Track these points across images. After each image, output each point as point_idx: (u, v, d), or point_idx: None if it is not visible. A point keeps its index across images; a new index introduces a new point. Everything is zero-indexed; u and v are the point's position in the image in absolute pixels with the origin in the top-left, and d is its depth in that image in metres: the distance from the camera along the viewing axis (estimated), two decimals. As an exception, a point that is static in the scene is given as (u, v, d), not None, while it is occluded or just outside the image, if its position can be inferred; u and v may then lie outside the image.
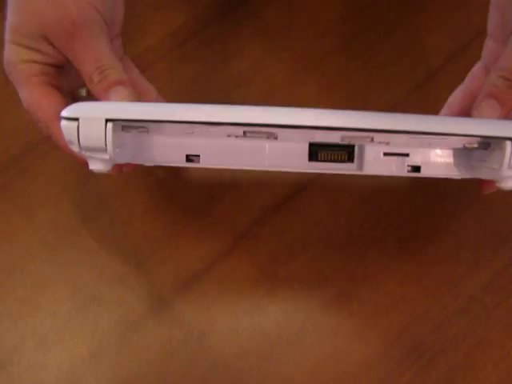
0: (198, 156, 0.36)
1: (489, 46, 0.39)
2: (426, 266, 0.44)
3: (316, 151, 0.36)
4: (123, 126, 0.33)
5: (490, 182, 0.36)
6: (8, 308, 0.43)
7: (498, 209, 0.45)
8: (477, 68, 0.39)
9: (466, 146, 0.33)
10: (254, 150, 0.36)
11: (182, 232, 0.44)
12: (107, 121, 0.31)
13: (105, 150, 0.31)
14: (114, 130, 0.31)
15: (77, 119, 0.31)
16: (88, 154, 0.32)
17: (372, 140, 0.33)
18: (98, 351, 0.42)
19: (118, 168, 0.37)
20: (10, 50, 0.36)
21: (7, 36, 0.36)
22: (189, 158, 0.36)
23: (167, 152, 0.36)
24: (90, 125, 0.31)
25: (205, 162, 0.36)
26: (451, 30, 0.52)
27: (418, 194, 0.46)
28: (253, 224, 0.44)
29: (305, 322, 0.42)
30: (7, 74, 0.37)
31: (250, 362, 0.41)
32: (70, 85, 0.38)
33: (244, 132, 0.32)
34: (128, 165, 0.38)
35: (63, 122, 0.31)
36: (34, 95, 0.36)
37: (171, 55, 0.50)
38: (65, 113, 0.31)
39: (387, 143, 0.35)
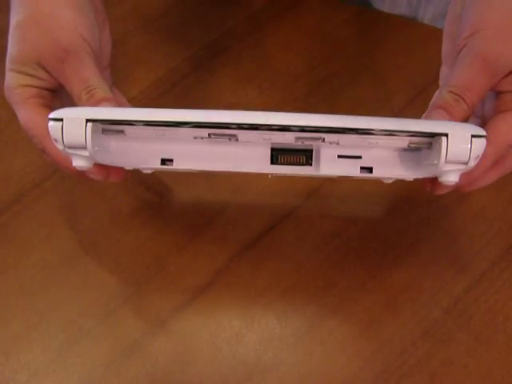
0: (171, 160, 0.39)
1: (444, 71, 0.43)
2: (392, 293, 0.47)
3: (277, 155, 0.39)
4: (103, 129, 0.37)
5: (435, 181, 0.38)
6: (1, 344, 0.46)
7: (458, 238, 0.49)
8: (436, 95, 0.42)
9: (410, 145, 0.37)
10: (221, 154, 0.39)
11: (164, 268, 0.48)
12: (87, 121, 0.35)
13: (85, 147, 0.35)
14: (94, 131, 0.35)
15: (61, 119, 0.35)
16: (71, 151, 0.36)
17: (323, 140, 0.36)
18: (88, 382, 0.44)
19: (105, 173, 0.41)
20: (9, 77, 0.40)
21: (7, 65, 0.41)
22: (163, 162, 0.39)
23: (144, 156, 0.39)
24: (72, 124, 0.35)
25: (178, 165, 0.39)
26: (411, 75, 0.56)
27: (383, 226, 0.49)
28: (230, 260, 0.48)
29: (280, 349, 0.45)
30: (7, 99, 0.42)
31: (230, 388, 0.44)
32: (63, 106, 0.42)
33: (208, 134, 0.36)
34: (115, 173, 0.41)
35: (50, 123, 0.36)
36: (29, 114, 0.41)
37: (153, 104, 0.55)
38: (51, 115, 0.36)
39: (337, 143, 0.37)
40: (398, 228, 0.49)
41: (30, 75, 0.40)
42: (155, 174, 0.51)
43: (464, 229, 0.49)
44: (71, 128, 0.35)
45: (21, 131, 0.54)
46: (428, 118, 0.37)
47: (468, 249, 0.49)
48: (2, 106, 0.55)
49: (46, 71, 0.40)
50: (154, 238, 0.49)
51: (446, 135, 0.34)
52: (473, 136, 0.34)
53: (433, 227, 0.49)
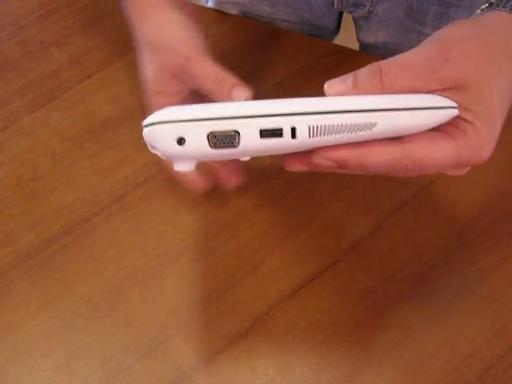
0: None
1: None
2: (425, 353, 0.48)
3: None
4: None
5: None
6: (43, 374, 0.47)
7: (493, 303, 0.50)
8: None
9: None
10: None
11: (205, 311, 0.49)
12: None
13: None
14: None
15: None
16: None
17: None
18: (123, 418, 0.46)
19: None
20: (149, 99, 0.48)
21: (146, 89, 0.48)
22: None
23: None
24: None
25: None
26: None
27: (420, 285, 0.50)
28: (269, 308, 0.49)
29: (313, 400, 0.46)
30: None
31: None
32: None
33: None
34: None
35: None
36: None
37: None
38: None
39: None
40: (434, 288, 0.50)
41: (165, 93, 0.47)
42: (202, 219, 0.53)
43: (500, 294, 0.50)
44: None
45: (74, 166, 0.57)
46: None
47: (503, 314, 0.49)
48: (58, 140, 0.59)
49: (178, 83, 0.46)
50: (197, 281, 0.50)
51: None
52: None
53: (469, 290, 0.50)
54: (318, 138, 0.34)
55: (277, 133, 0.34)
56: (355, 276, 0.51)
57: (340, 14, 0.73)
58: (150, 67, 0.47)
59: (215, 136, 0.34)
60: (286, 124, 0.34)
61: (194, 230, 0.53)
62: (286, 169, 0.39)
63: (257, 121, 0.34)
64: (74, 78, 0.63)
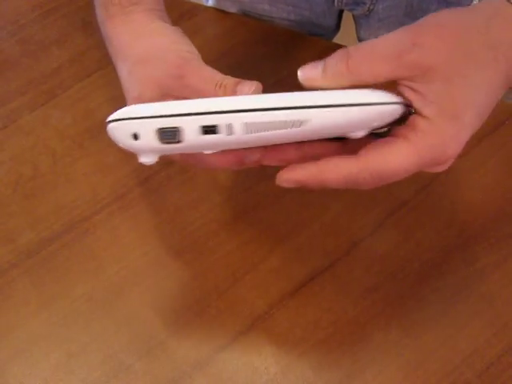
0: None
1: None
2: (426, 352, 0.48)
3: None
4: None
5: None
6: (43, 373, 0.47)
7: (494, 302, 0.50)
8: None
9: None
10: None
11: (205, 310, 0.49)
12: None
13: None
14: None
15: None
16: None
17: None
18: (123, 417, 0.46)
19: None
20: None
21: (128, 103, 0.42)
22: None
23: None
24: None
25: None
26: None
27: (420, 285, 0.50)
28: (270, 307, 0.49)
29: (313, 399, 0.46)
30: None
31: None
32: None
33: None
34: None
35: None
36: None
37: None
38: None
39: None
40: (434, 288, 0.50)
41: None
42: (203, 218, 0.53)
43: (500, 293, 0.50)
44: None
45: (74, 164, 0.57)
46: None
47: (503, 313, 0.49)
48: (58, 138, 0.58)
49: (165, 98, 0.41)
50: (197, 280, 0.51)
51: None
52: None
53: (469, 289, 0.50)
54: (254, 134, 0.36)
55: (215, 129, 0.36)
56: (355, 275, 0.51)
57: (340, 13, 0.73)
58: (134, 85, 0.42)
59: (163, 132, 0.36)
60: (222, 121, 0.36)
61: (195, 228, 0.53)
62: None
63: (197, 118, 0.36)
64: (75, 77, 0.63)
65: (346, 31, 0.77)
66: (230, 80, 0.39)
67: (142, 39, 0.42)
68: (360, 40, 0.74)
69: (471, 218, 0.54)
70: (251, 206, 0.54)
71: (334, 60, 0.35)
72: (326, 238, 0.52)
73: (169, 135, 0.36)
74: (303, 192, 0.55)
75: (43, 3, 0.68)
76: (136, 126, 0.37)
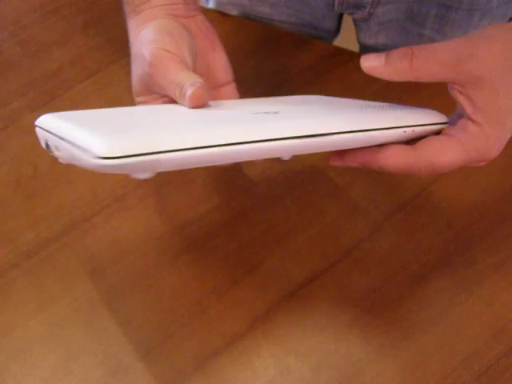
0: None
1: None
2: (424, 354, 0.48)
3: None
4: None
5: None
6: (42, 373, 0.47)
7: (493, 304, 0.50)
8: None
9: None
10: None
11: (204, 311, 0.49)
12: None
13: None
14: None
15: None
16: None
17: None
18: (122, 417, 0.46)
19: None
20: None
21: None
22: None
23: None
24: None
25: None
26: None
27: (419, 287, 0.50)
28: (269, 308, 0.49)
29: (312, 400, 0.46)
30: None
31: None
32: None
33: None
34: None
35: None
36: None
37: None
38: None
39: None
40: (433, 289, 0.50)
41: (145, 102, 0.45)
42: (202, 219, 0.54)
43: (499, 295, 0.50)
44: None
45: (74, 165, 0.57)
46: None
47: (502, 316, 0.49)
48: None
49: (148, 93, 0.44)
50: (196, 281, 0.51)
51: None
52: None
53: (468, 291, 0.50)
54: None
55: None
56: (355, 276, 0.51)
57: (340, 16, 0.73)
58: (132, 81, 0.45)
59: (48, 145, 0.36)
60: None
61: (194, 230, 0.53)
62: (330, 163, 0.43)
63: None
64: (75, 78, 0.63)
65: (346, 34, 0.77)
66: (187, 86, 0.39)
67: (137, 37, 0.45)
68: (360, 44, 0.74)
69: (470, 220, 0.54)
70: (250, 207, 0.54)
71: (398, 56, 0.38)
72: (326, 240, 0.53)
73: (50, 148, 0.36)
74: (302, 194, 0.55)
75: (44, 4, 0.68)
76: (46, 136, 0.36)
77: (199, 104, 0.40)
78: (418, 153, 0.40)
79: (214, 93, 0.47)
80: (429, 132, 0.41)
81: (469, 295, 0.50)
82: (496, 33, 0.40)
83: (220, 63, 0.48)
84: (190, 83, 0.39)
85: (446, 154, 0.39)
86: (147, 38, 0.43)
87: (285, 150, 0.37)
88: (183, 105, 0.40)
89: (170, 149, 0.32)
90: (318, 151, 0.38)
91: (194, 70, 0.43)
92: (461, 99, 0.40)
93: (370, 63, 0.39)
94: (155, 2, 0.45)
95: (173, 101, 0.42)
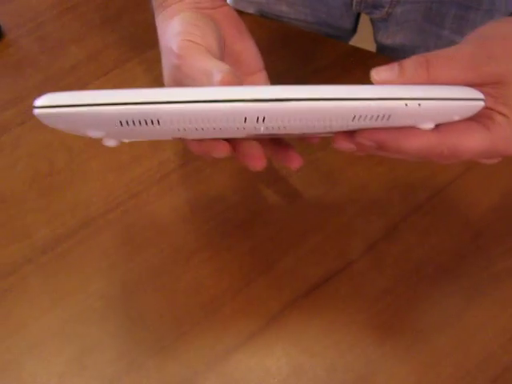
0: None
1: None
2: (438, 356, 0.48)
3: None
4: None
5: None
6: (56, 368, 0.47)
7: (507, 308, 0.49)
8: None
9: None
10: None
11: (219, 309, 0.49)
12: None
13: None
14: None
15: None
16: None
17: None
18: (135, 414, 0.46)
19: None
20: None
21: None
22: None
23: None
24: None
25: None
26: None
27: (434, 288, 0.50)
28: (284, 307, 0.49)
29: (326, 401, 0.46)
30: None
31: None
32: None
33: None
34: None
35: None
36: None
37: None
38: None
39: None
40: (448, 291, 0.50)
41: None
42: (218, 217, 0.54)
43: (514, 299, 0.50)
44: None
45: (91, 162, 0.57)
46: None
47: (518, 319, 0.49)
48: (75, 136, 0.58)
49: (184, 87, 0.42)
50: (212, 279, 0.51)
51: None
52: None
53: (483, 294, 0.50)
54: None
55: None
56: (370, 277, 0.51)
57: (357, 15, 0.73)
58: (164, 73, 0.45)
59: None
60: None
61: (210, 228, 0.53)
62: (334, 145, 0.40)
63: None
64: (92, 75, 0.63)
65: (363, 34, 0.77)
66: (214, 73, 0.38)
67: (164, 32, 0.45)
68: (378, 43, 0.73)
69: (486, 223, 0.53)
70: (266, 206, 0.54)
71: (413, 65, 0.37)
72: (341, 240, 0.52)
73: None
74: (318, 194, 0.55)
75: (62, 1, 0.68)
76: None
77: None
78: (442, 134, 0.38)
79: (245, 80, 0.46)
80: (455, 110, 0.37)
81: (484, 298, 0.50)
82: (508, 30, 0.39)
83: (249, 51, 0.47)
84: (217, 70, 0.38)
85: (472, 137, 0.38)
86: (174, 31, 0.43)
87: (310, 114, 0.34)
88: None
89: (89, 103, 0.33)
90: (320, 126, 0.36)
91: (223, 59, 0.43)
92: None
93: (383, 76, 0.37)
94: None
95: None
